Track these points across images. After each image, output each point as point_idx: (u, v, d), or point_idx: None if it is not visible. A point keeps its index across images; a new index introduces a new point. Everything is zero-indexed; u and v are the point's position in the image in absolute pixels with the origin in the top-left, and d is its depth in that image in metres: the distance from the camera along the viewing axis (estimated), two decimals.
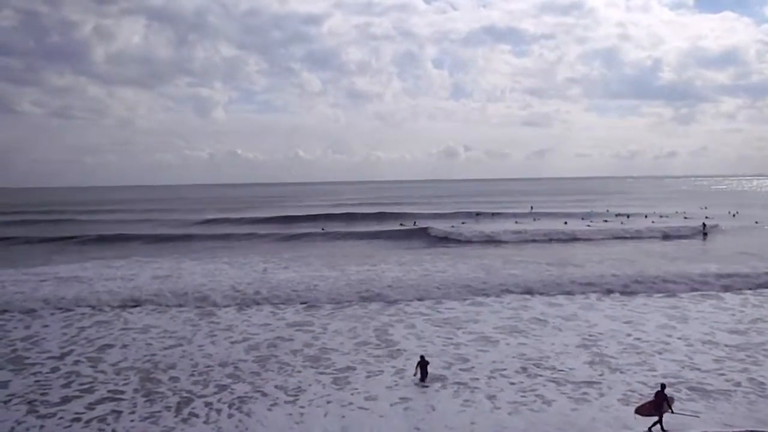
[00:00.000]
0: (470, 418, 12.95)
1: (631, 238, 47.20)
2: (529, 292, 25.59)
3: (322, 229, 54.23)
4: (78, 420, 13.10)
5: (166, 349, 18.26)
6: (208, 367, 16.51)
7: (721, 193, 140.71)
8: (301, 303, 24.26)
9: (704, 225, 51.49)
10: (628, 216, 64.11)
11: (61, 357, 17.53)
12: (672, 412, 12.28)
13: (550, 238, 46.29)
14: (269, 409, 13.52)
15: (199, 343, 18.91)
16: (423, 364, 15.56)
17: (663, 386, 12.68)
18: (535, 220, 62.24)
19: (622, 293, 25.40)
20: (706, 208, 75.54)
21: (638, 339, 18.56)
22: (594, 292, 25.55)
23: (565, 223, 56.94)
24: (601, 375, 15.39)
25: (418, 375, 15.50)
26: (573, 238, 46.81)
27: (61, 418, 13.19)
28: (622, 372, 15.57)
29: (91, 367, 16.65)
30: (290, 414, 13.21)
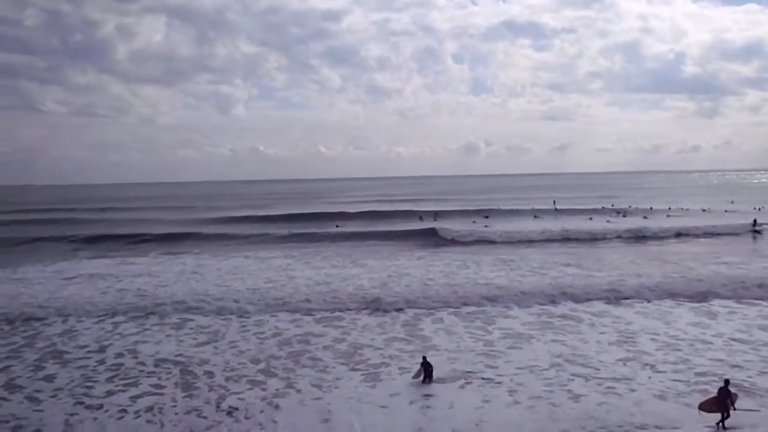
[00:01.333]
0: (482, 416, 13.00)
1: (679, 236, 44.52)
2: (570, 297, 23.65)
3: (336, 226, 54.48)
4: (125, 411, 13.69)
5: (199, 345, 18.75)
6: (241, 363, 16.92)
7: (758, 188, 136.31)
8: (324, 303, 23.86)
9: (755, 222, 46.62)
10: (679, 209, 62.59)
11: (101, 350, 18.19)
12: (734, 409, 12.20)
13: (575, 238, 44.14)
14: (303, 405, 13.85)
15: (231, 338, 19.36)
16: (426, 365, 15.24)
17: (727, 382, 12.50)
18: (556, 219, 59.85)
19: (681, 298, 23.23)
20: (732, 203, 74.03)
21: (676, 338, 18.33)
22: (640, 298, 23.53)
23: (590, 219, 55.84)
24: (633, 372, 15.42)
25: (421, 376, 15.20)
26: (620, 237, 44.45)
27: (107, 410, 13.77)
28: (657, 370, 15.47)
29: (133, 359, 17.27)
30: (319, 411, 13.50)
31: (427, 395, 14.31)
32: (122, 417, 13.38)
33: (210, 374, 15.98)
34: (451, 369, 15.95)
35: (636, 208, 65.40)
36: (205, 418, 13.25)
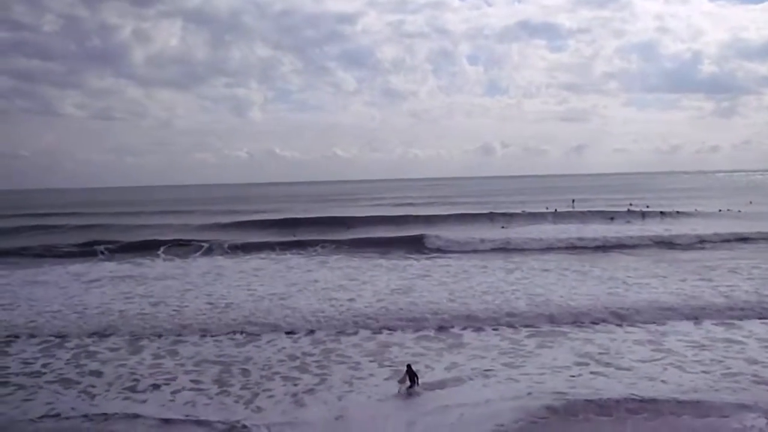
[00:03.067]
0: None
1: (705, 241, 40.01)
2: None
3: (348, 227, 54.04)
4: (166, 406, 14.57)
5: (238, 345, 19.58)
6: (280, 361, 17.69)
7: None
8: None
9: None
10: (722, 211, 59.57)
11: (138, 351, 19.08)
12: None
13: (605, 245, 39.41)
14: (324, 403, 14.45)
15: (268, 338, 20.12)
16: (410, 373, 14.82)
17: None
18: (628, 221, 54.67)
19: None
20: (751, 203, 72.82)
21: None
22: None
23: (611, 219, 55.59)
24: None
25: (406, 384, 14.68)
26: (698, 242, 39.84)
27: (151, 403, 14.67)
28: None
29: (171, 358, 18.17)
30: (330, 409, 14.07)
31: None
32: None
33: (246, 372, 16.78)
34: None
35: (662, 212, 61.19)
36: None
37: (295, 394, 14.95)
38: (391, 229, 50.56)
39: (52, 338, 20.42)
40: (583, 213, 61.33)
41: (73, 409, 14.33)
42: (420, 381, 14.96)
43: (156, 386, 15.77)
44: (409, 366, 15.23)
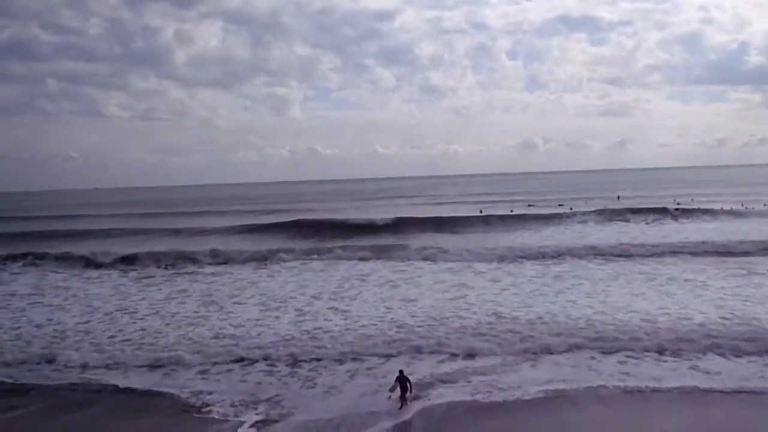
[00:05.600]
0: None
1: None
2: None
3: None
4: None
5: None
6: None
7: None
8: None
9: None
10: None
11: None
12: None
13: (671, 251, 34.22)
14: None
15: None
16: (402, 380, 13.68)
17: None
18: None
19: None
20: None
21: None
22: None
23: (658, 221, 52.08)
24: None
25: (397, 392, 13.59)
26: None
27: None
28: None
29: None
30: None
31: None
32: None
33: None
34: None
35: (722, 208, 55.98)
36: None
37: None
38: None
39: None
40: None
41: None
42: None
43: None
44: (401, 372, 14.02)
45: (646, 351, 16.95)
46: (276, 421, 13.28)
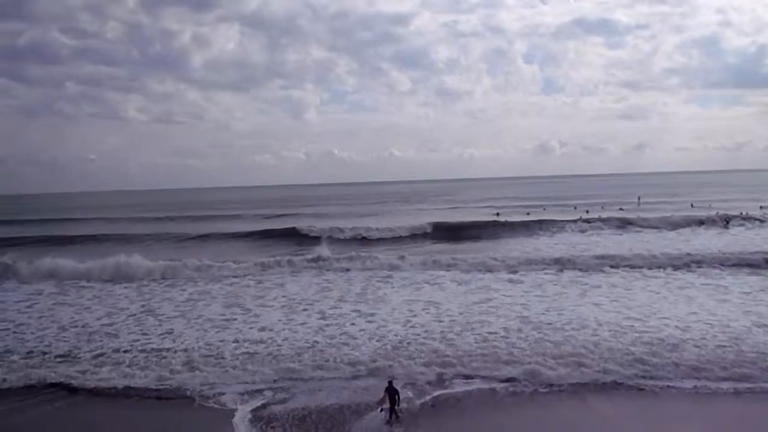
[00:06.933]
0: None
1: None
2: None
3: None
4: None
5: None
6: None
7: None
8: None
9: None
10: None
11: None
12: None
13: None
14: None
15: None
16: (391, 391, 12.99)
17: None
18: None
19: None
20: None
21: None
22: None
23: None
24: None
25: (387, 405, 12.91)
26: None
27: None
28: None
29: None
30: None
31: None
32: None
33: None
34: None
35: (746, 213, 53.47)
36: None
37: None
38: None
39: None
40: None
41: None
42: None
43: None
44: (390, 383, 13.29)
45: None
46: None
